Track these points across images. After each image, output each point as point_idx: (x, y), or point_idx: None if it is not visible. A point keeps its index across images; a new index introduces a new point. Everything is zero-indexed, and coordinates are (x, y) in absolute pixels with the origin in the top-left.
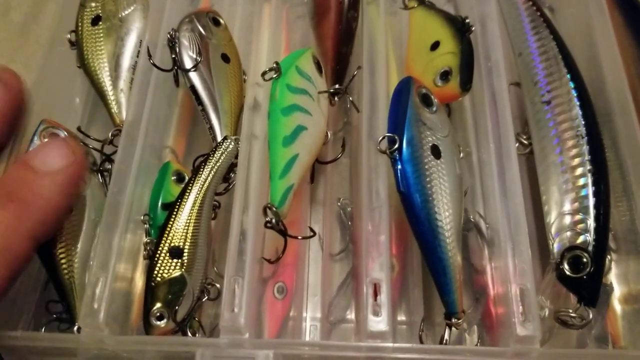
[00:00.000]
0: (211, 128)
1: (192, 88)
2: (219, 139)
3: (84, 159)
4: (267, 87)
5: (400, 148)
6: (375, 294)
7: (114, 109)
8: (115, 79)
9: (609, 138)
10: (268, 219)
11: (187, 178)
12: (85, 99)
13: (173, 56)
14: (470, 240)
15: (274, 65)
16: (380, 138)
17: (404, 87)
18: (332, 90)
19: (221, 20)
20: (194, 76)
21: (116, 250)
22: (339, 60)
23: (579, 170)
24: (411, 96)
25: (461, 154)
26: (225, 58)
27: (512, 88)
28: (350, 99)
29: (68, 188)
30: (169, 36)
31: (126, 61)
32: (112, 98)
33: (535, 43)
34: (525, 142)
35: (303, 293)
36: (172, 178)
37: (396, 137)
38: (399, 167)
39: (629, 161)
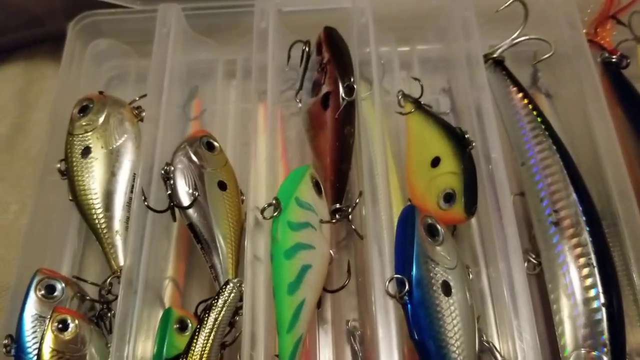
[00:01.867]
0: (212, 267)
1: (190, 226)
2: (221, 279)
3: None
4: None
5: (410, 291)
6: None
7: (110, 252)
8: (108, 219)
9: (619, 252)
10: None
11: (190, 325)
12: (78, 232)
13: (168, 192)
14: None
15: (274, 201)
16: (388, 281)
17: (409, 219)
18: (334, 221)
19: (215, 144)
20: (191, 212)
21: None
22: (338, 177)
23: (594, 304)
24: (417, 230)
25: (470, 276)
26: (222, 185)
27: (517, 198)
28: (353, 227)
29: None
30: (162, 172)
31: (120, 198)
32: (107, 241)
33: (537, 155)
34: (535, 261)
35: None
36: (175, 327)
37: (405, 279)
38: (410, 312)
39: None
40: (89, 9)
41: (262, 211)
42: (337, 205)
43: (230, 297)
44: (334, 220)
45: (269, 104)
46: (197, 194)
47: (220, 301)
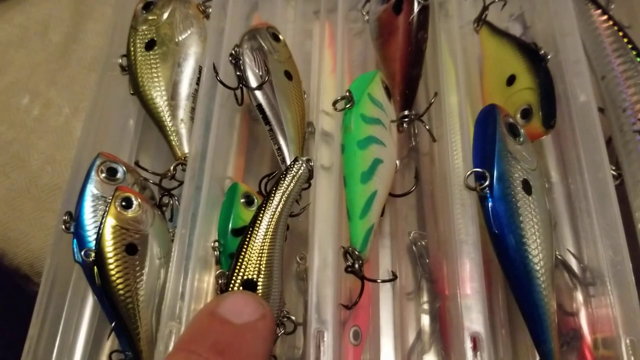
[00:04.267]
0: (279, 149)
1: (259, 107)
2: (288, 160)
3: (272, 312)
4: (334, 115)
5: (491, 184)
6: (475, 347)
7: (174, 141)
8: (173, 108)
9: None
10: (349, 263)
11: (255, 200)
12: (135, 126)
13: (238, 73)
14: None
15: (347, 94)
16: (468, 173)
17: (489, 116)
18: (406, 119)
19: (280, 36)
20: (259, 94)
21: (187, 296)
22: (408, 84)
23: None
24: (498, 126)
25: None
26: (287, 75)
27: None
28: (427, 127)
29: (270, 341)
30: (232, 52)
31: (185, 89)
32: (172, 129)
33: (619, 66)
34: (615, 173)
35: (377, 337)
36: (241, 201)
37: (486, 173)
38: (491, 205)
39: None
40: None
41: (335, 103)
42: (406, 112)
43: (299, 173)
44: (406, 119)
45: (339, 17)
46: (267, 76)
47: (289, 176)
